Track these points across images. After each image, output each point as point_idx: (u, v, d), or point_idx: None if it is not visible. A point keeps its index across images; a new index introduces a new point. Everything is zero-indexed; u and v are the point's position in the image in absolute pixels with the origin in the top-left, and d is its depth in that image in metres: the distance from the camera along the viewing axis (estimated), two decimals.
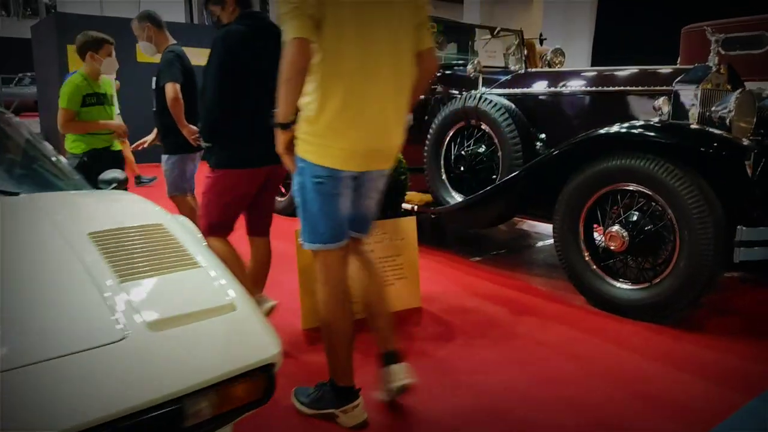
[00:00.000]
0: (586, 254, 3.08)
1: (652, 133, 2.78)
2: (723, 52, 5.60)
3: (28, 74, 15.75)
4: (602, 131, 2.91)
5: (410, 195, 4.14)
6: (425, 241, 4.32)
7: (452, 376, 2.34)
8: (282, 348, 1.34)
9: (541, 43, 5.17)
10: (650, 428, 2.01)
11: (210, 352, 1.22)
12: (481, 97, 3.62)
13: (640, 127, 2.84)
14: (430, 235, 4.73)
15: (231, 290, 1.41)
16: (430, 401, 2.13)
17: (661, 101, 2.96)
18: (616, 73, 3.57)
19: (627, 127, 2.85)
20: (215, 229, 2.43)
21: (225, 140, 2.33)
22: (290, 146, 1.79)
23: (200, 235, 1.87)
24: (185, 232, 1.69)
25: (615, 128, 2.87)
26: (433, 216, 4.00)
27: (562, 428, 2.00)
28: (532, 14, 16.57)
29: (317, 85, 1.70)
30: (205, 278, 1.44)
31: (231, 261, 2.31)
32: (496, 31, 4.66)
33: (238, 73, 2.25)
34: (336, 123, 1.71)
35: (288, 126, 1.74)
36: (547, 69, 4.14)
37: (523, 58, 4.83)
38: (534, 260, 4.18)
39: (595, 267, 3.04)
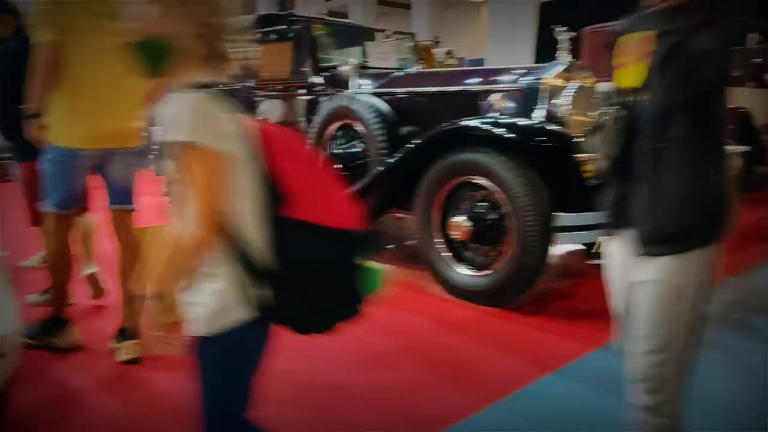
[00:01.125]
0: (437, 242, 3.22)
1: (483, 127, 2.93)
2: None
3: None
4: (435, 131, 3.08)
5: None
6: None
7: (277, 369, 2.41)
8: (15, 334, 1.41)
9: (436, 45, 5.32)
10: (440, 398, 2.14)
11: None
12: (351, 97, 3.74)
13: (474, 122, 2.99)
14: None
15: None
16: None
17: (498, 98, 3.11)
18: (480, 72, 3.74)
19: (461, 123, 3.01)
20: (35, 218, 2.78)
21: (19, 139, 2.66)
22: (40, 131, 2.20)
23: None
24: None
25: (448, 126, 3.05)
26: None
27: (367, 409, 2.11)
28: (480, 19, 16.91)
29: (62, 80, 2.09)
30: None
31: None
32: (386, 34, 4.79)
33: (18, 85, 2.51)
34: (76, 110, 2.13)
35: (37, 116, 2.14)
36: (420, 70, 4.30)
37: (417, 59, 4.97)
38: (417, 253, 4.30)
39: (443, 255, 3.18)
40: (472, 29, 17.34)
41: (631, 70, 1.25)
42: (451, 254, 3.20)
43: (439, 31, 16.08)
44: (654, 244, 1.24)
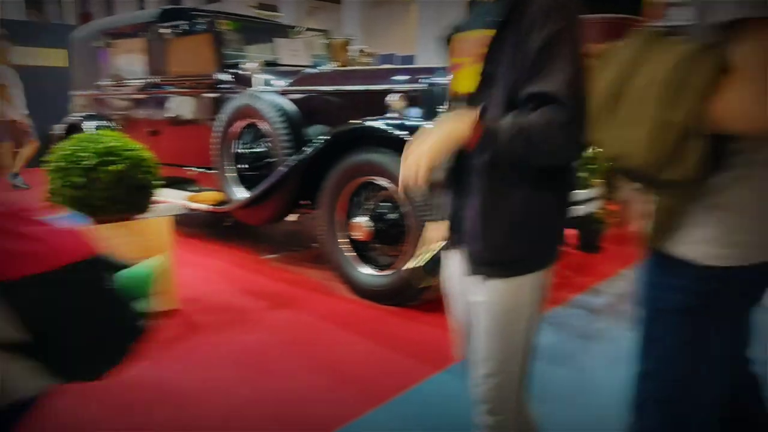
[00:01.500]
0: (342, 243, 3.19)
1: (380, 128, 2.92)
2: None
3: None
4: (341, 129, 3.05)
5: (204, 195, 4.11)
6: (224, 238, 4.35)
7: (157, 377, 2.32)
8: None
9: (348, 43, 5.28)
10: (330, 401, 2.11)
11: None
12: (254, 95, 3.64)
13: (376, 122, 2.97)
14: (234, 234, 4.67)
15: None
16: (118, 400, 2.11)
17: (396, 98, 3.10)
18: (388, 71, 3.73)
19: (365, 123, 2.99)
20: None
21: None
22: None
23: None
24: None
25: (351, 125, 3.02)
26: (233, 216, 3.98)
27: (251, 414, 2.05)
28: (409, 17, 17.04)
29: None
30: None
31: None
32: (297, 30, 4.71)
33: None
34: None
35: None
36: (329, 68, 4.25)
37: (330, 56, 4.92)
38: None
39: (347, 255, 3.16)
40: (402, 26, 17.45)
41: (466, 73, 1.18)
42: (355, 254, 3.18)
43: (370, 26, 16.11)
44: (483, 265, 1.18)
